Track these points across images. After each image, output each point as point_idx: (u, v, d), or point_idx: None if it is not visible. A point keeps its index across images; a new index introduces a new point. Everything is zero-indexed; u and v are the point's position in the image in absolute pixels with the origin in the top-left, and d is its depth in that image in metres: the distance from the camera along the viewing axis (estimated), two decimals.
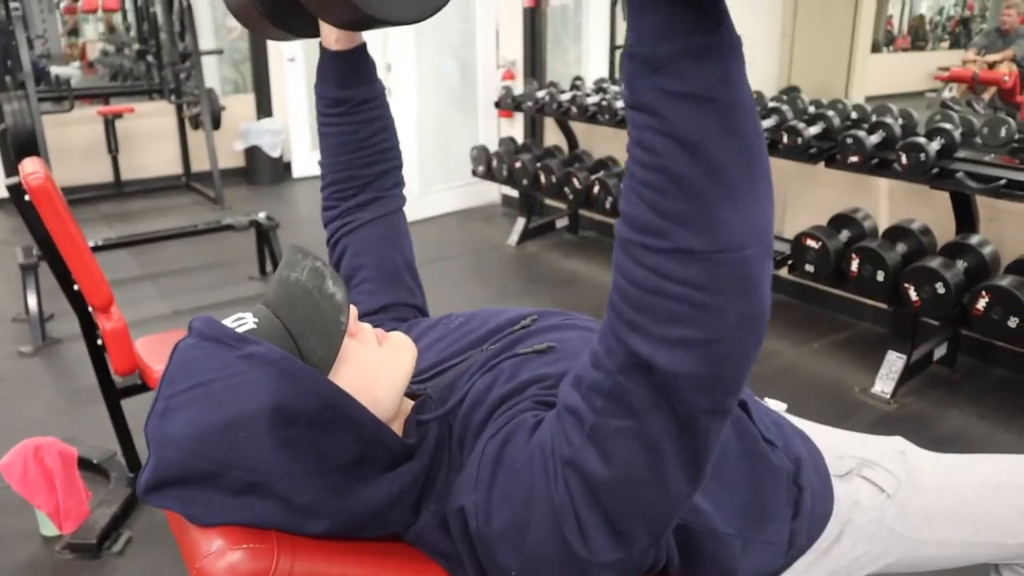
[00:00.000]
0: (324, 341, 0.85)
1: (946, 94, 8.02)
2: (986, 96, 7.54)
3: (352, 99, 1.21)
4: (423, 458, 0.90)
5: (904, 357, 2.84)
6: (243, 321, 0.87)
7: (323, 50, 1.20)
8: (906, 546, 1.15)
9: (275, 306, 0.89)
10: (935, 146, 2.81)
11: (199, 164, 6.09)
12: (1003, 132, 3.05)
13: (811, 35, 7.20)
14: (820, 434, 1.22)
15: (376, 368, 0.90)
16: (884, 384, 2.85)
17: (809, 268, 2.93)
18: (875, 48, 10.01)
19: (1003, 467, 1.26)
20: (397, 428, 0.92)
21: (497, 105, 4.83)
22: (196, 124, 5.80)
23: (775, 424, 1.13)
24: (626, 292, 0.67)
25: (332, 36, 1.17)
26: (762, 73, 6.68)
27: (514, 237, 4.61)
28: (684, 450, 0.72)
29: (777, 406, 1.32)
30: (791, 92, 4.04)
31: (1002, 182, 2.65)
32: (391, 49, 4.71)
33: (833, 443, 1.20)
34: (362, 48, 1.20)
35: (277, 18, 1.13)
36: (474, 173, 4.71)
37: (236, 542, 0.79)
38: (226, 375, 0.81)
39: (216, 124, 5.58)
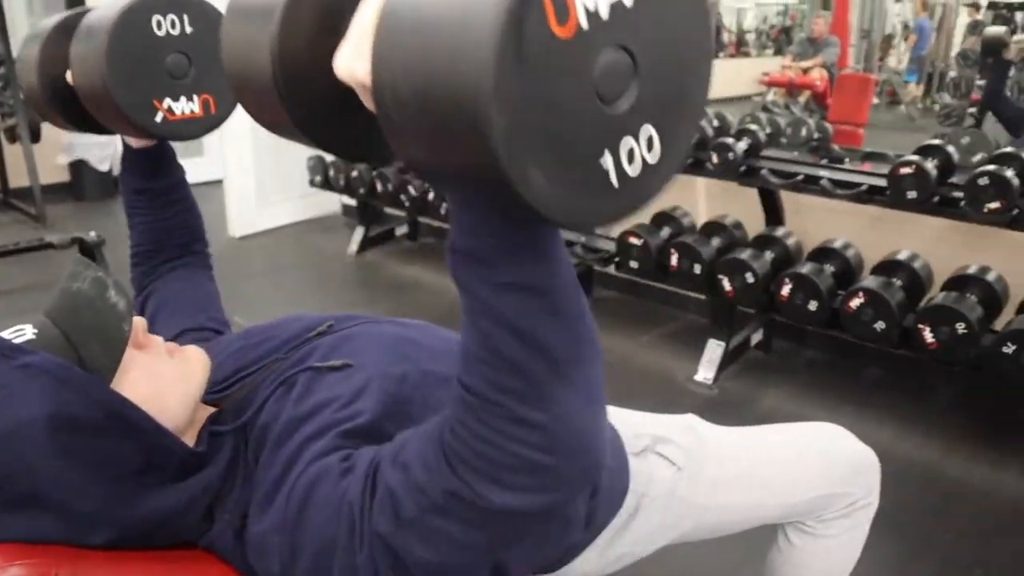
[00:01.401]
0: (106, 349, 0.85)
1: (769, 97, 8.55)
2: (802, 99, 8.09)
3: (155, 188, 1.32)
4: (216, 468, 0.90)
5: (723, 344, 3.02)
6: (21, 332, 0.85)
7: (125, 146, 1.29)
8: (698, 514, 1.23)
9: (55, 316, 0.88)
10: (742, 146, 3.01)
11: (18, 179, 5.72)
12: (804, 132, 3.30)
13: None
14: (620, 416, 1.29)
15: (165, 378, 0.90)
16: (706, 371, 3.02)
17: (633, 264, 3.07)
18: None
19: (784, 435, 1.39)
20: (191, 437, 0.92)
21: None
22: (13, 137, 5.45)
23: None
24: (465, 439, 0.69)
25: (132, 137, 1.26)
26: None
27: (353, 246, 4.59)
28: (501, 553, 0.76)
29: None
30: None
31: (800, 177, 2.88)
32: None
33: (631, 424, 1.28)
34: (161, 143, 1.30)
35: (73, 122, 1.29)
36: (311, 183, 4.65)
37: (9, 559, 0.77)
38: (1, 385, 0.80)
39: (35, 137, 5.26)
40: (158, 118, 1.15)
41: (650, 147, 0.58)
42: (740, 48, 12.88)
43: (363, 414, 0.89)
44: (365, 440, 0.86)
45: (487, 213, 0.62)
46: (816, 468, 1.31)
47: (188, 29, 1.17)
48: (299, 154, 4.87)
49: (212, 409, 1.00)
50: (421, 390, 0.97)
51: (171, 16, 1.14)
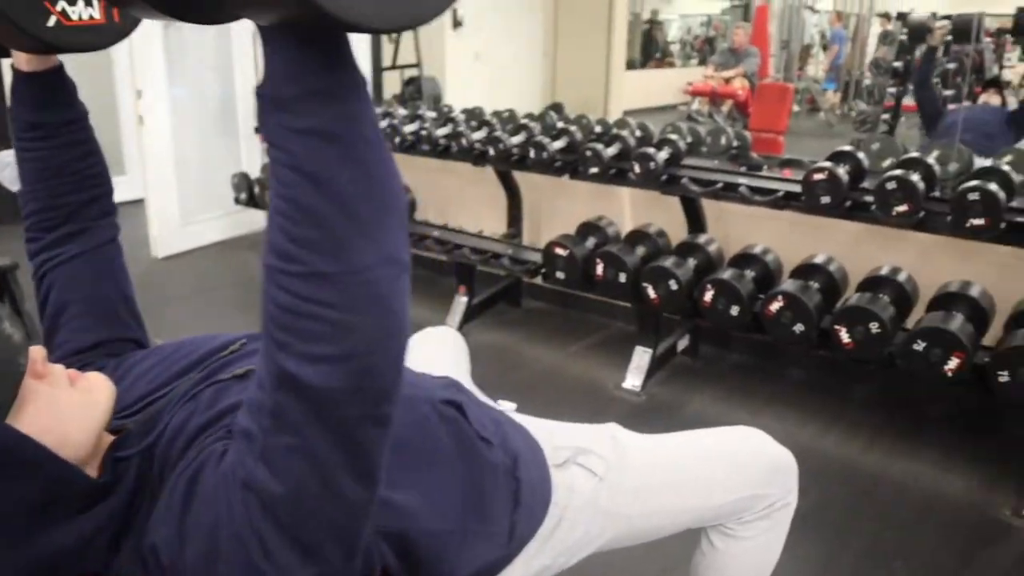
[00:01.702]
0: (1, 384, 0.82)
1: (694, 107, 8.74)
2: (725, 108, 8.29)
3: (49, 123, 1.14)
4: (121, 495, 0.88)
5: (650, 351, 3.06)
6: None
7: (15, 71, 1.13)
8: (621, 523, 1.24)
9: None
10: (663, 155, 3.06)
11: None
12: (723, 140, 3.37)
13: (571, 55, 7.58)
14: (542, 428, 1.29)
15: (67, 409, 0.87)
16: (634, 378, 3.06)
17: (560, 275, 3.09)
18: (631, 66, 10.73)
19: (703, 441, 1.41)
20: (94, 467, 0.90)
21: (258, 130, 4.74)
22: None
23: (493, 423, 1.19)
24: (271, 314, 0.70)
25: (23, 56, 1.11)
26: (526, 90, 6.97)
27: None
28: (348, 460, 0.75)
29: (507, 406, 1.40)
30: (554, 108, 4.27)
31: (719, 185, 2.94)
32: (140, 74, 4.48)
33: (552, 435, 1.28)
34: (59, 69, 1.14)
35: None
36: (236, 200, 4.58)
37: None
38: None
39: None
40: (51, 22, 1.00)
41: None
42: (665, 58, 13.13)
43: None
44: None
45: (290, 53, 0.64)
46: (735, 471, 1.33)
47: None
48: (223, 171, 4.80)
49: (116, 436, 0.97)
50: None
51: None
